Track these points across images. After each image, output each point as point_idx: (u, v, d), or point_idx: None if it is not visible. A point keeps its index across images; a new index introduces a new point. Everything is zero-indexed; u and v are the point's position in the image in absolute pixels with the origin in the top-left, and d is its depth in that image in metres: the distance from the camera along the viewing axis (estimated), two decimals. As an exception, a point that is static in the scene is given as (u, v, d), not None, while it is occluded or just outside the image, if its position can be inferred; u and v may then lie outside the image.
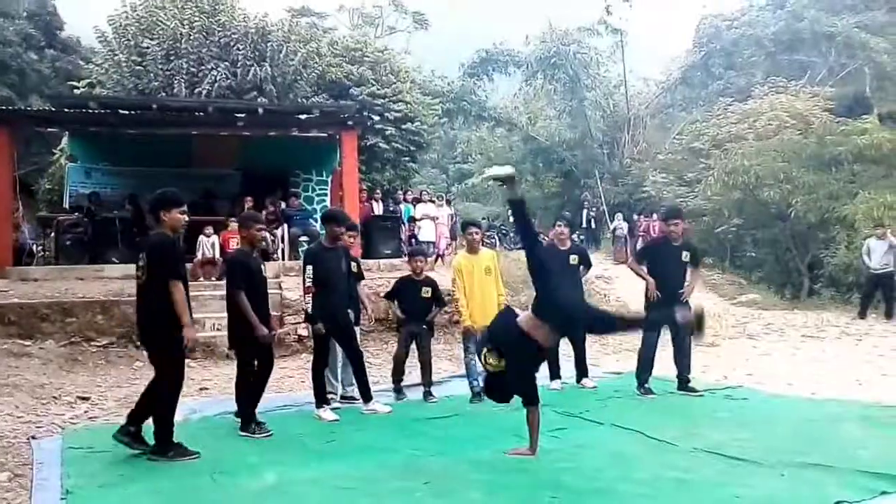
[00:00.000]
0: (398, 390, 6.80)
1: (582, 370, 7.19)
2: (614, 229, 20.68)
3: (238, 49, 16.89)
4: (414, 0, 34.15)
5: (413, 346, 6.78)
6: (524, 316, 4.63)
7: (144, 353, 8.48)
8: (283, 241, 12.62)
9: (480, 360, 4.69)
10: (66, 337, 8.80)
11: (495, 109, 28.71)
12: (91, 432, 5.52)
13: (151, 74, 16.51)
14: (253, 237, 5.63)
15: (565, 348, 7.18)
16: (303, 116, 13.01)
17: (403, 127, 18.17)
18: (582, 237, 18.67)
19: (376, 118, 17.24)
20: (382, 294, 7.07)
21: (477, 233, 6.87)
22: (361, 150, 14.87)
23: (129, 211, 12.82)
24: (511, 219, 24.96)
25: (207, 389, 7.25)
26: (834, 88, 20.81)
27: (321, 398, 6.00)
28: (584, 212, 21.45)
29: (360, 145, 14.19)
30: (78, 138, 14.59)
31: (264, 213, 12.38)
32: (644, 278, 6.85)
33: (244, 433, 5.33)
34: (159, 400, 4.74)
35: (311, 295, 5.89)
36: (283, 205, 13.61)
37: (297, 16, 26.93)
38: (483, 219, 20.24)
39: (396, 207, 15.11)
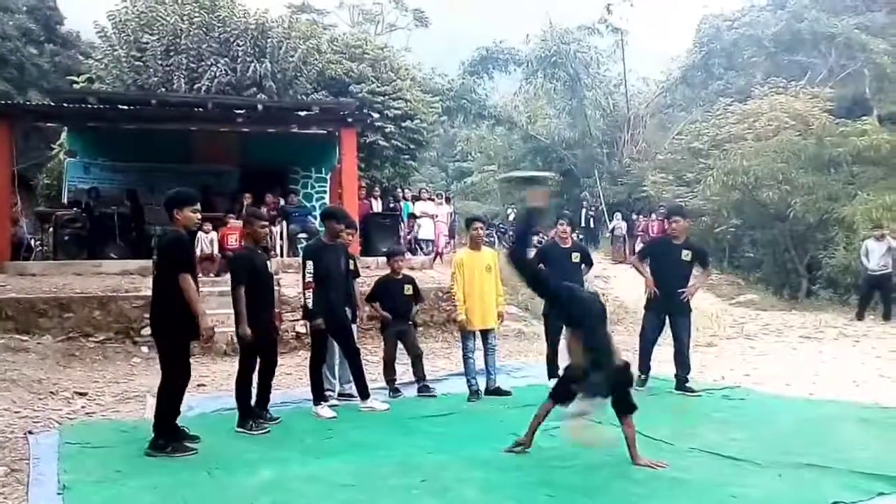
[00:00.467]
0: (393, 389, 6.80)
1: None
2: (613, 229, 20.71)
3: (238, 45, 16.86)
4: (414, -3, 34.16)
5: (400, 344, 6.84)
6: None
7: (142, 349, 8.56)
8: (281, 238, 12.61)
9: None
10: (64, 332, 8.79)
11: (495, 108, 28.71)
12: (88, 428, 5.51)
13: (151, 70, 16.48)
14: (256, 234, 5.70)
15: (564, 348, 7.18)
16: (302, 113, 13.00)
17: (403, 125, 18.15)
18: (581, 236, 18.67)
19: (376, 116, 17.24)
20: (365, 297, 7.06)
21: (481, 228, 6.88)
22: (361, 147, 14.86)
23: (127, 206, 12.81)
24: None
25: (205, 386, 7.25)
26: (833, 89, 20.81)
27: (319, 395, 6.00)
28: (584, 211, 21.49)
29: (359, 143, 14.19)
30: (77, 133, 14.58)
31: (264, 209, 12.38)
32: (644, 276, 6.93)
33: (240, 429, 5.35)
34: (163, 392, 4.80)
35: (310, 291, 5.89)
36: (282, 201, 13.60)
37: (297, 12, 26.92)
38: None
39: (396, 205, 15.10)
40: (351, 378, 6.32)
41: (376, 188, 15.86)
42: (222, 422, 5.64)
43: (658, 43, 36.52)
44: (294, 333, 9.08)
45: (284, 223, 12.76)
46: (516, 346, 9.83)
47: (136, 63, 16.72)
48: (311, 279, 5.88)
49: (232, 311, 5.51)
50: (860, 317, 11.80)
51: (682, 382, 6.77)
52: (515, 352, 9.50)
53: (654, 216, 18.51)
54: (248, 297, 5.44)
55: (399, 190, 16.34)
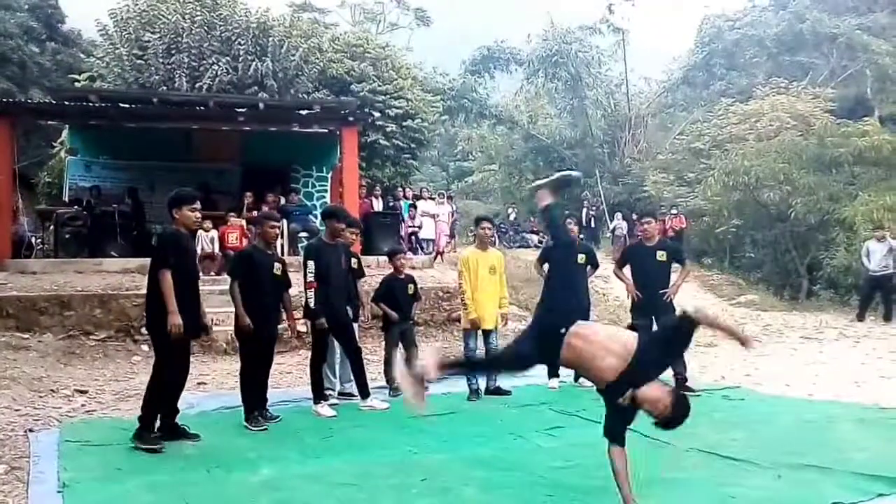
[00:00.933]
0: (394, 388, 6.80)
1: None
2: (614, 229, 20.70)
3: (239, 44, 16.86)
4: (416, -3, 34.18)
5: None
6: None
7: (142, 347, 8.56)
8: (282, 237, 12.61)
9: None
10: (64, 330, 8.79)
11: (496, 107, 28.71)
12: (88, 426, 5.51)
13: (152, 68, 16.48)
14: (266, 234, 5.81)
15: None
16: (303, 112, 13.00)
17: (404, 124, 18.15)
18: (582, 236, 18.67)
19: (377, 115, 17.23)
20: (371, 298, 7.08)
21: (489, 228, 6.91)
22: (362, 146, 14.86)
23: (128, 205, 12.81)
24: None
25: (205, 384, 7.25)
26: (835, 90, 20.84)
27: (319, 394, 6.00)
28: (584, 211, 21.46)
29: (360, 142, 14.18)
30: (78, 131, 14.57)
31: (265, 208, 12.37)
32: (625, 282, 7.08)
33: (245, 423, 5.46)
34: (150, 383, 4.89)
35: (312, 290, 5.89)
36: (283, 200, 13.60)
37: (298, 11, 26.94)
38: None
39: (396, 204, 15.10)
40: (351, 377, 6.33)
41: (377, 187, 15.86)
42: (223, 420, 5.66)
43: (659, 43, 36.52)
44: (295, 332, 9.08)
45: (285, 222, 12.75)
46: (516, 346, 9.82)
47: (138, 61, 16.72)
48: (312, 278, 5.89)
49: (231, 309, 5.58)
50: (861, 317, 11.80)
51: (681, 382, 6.76)
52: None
53: (655, 216, 18.48)
54: (248, 295, 5.48)
55: (400, 189, 16.34)
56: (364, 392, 6.14)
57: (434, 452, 4.74)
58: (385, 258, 12.31)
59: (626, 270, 7.18)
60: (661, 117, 29.10)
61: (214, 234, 11.55)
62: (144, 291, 4.95)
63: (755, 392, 6.74)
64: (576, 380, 7.16)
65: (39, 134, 19.34)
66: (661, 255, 6.91)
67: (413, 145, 18.83)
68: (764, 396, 6.56)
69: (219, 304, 9.20)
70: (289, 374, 7.68)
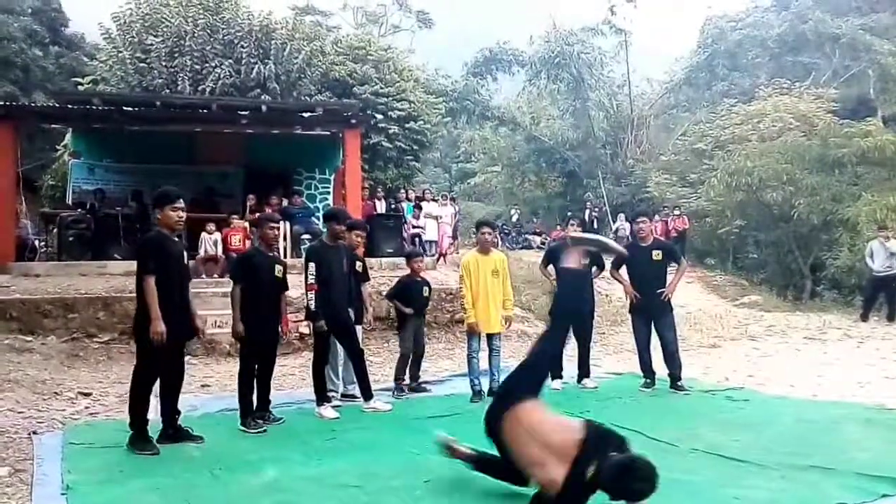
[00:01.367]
0: (401, 389, 6.82)
1: (584, 370, 7.19)
2: (616, 230, 20.69)
3: (242, 46, 16.90)
4: (418, -1, 34.22)
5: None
6: None
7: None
8: (284, 239, 12.62)
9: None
10: (68, 333, 8.81)
11: (499, 109, 28.72)
12: (92, 428, 5.53)
13: (155, 71, 16.52)
14: (265, 236, 5.83)
15: (568, 347, 7.18)
16: (306, 114, 13.02)
17: (406, 126, 18.17)
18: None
19: (379, 117, 17.27)
20: (385, 295, 7.16)
21: (489, 233, 6.89)
22: (364, 148, 14.88)
23: (132, 208, 12.83)
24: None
25: (209, 386, 7.27)
26: (838, 90, 20.81)
27: (322, 396, 6.01)
28: (587, 212, 21.46)
29: (362, 144, 14.21)
30: (81, 135, 14.61)
31: (268, 209, 12.39)
32: (622, 283, 7.14)
33: (242, 427, 5.44)
34: (131, 387, 4.91)
35: (313, 292, 5.90)
36: (285, 202, 13.62)
37: (301, 14, 26.97)
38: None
39: (398, 206, 15.11)
40: (354, 379, 6.34)
41: (379, 189, 15.88)
42: (226, 422, 5.66)
43: (662, 44, 36.52)
44: (297, 334, 9.10)
45: (288, 224, 12.77)
46: (519, 347, 9.81)
47: (141, 65, 16.77)
48: (313, 281, 5.90)
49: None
50: (864, 318, 11.77)
51: (673, 380, 6.81)
52: (518, 352, 9.48)
53: (657, 217, 18.48)
54: (249, 300, 5.51)
55: (403, 191, 16.36)
56: (367, 394, 6.15)
57: (437, 454, 4.74)
58: (388, 260, 12.41)
59: (623, 272, 7.20)
60: (663, 118, 29.09)
61: (217, 236, 11.57)
62: (136, 297, 4.88)
63: (758, 393, 6.72)
64: (579, 381, 7.17)
65: (43, 137, 19.39)
66: (656, 255, 6.95)
67: (415, 147, 18.85)
68: (767, 397, 6.55)
69: (221, 306, 9.23)
70: (291, 376, 7.69)
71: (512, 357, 8.77)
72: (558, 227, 21.97)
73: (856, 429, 5.24)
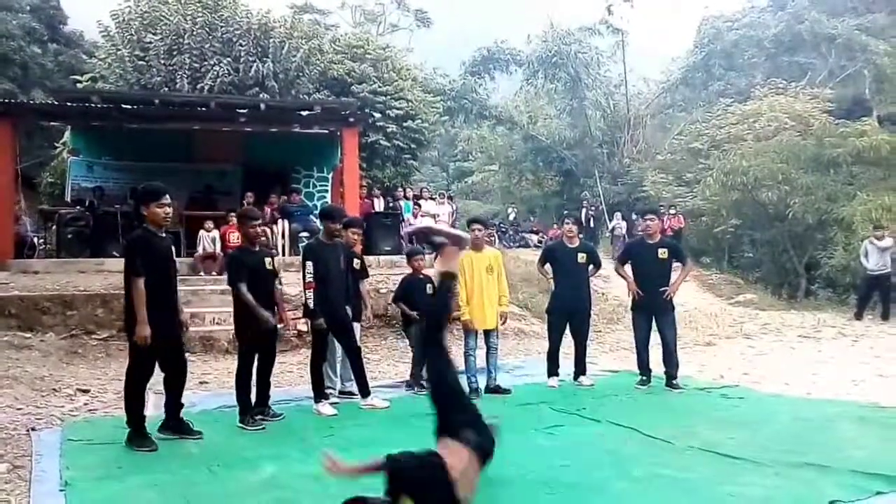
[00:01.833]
0: (421, 385, 6.82)
1: (581, 368, 7.22)
2: (613, 228, 20.72)
3: (240, 45, 16.88)
4: (416, -2, 34.21)
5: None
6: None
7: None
8: (283, 237, 12.65)
9: None
10: (67, 330, 8.82)
11: (496, 108, 28.72)
12: (90, 425, 5.55)
13: (154, 69, 16.50)
14: (247, 234, 5.76)
15: (565, 345, 7.22)
16: (304, 113, 13.03)
17: (404, 124, 18.17)
18: (581, 236, 18.71)
19: (377, 115, 17.27)
20: (391, 298, 7.12)
21: (480, 230, 6.88)
22: (362, 147, 14.89)
23: (130, 205, 12.82)
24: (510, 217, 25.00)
25: (207, 383, 7.28)
26: (833, 90, 20.85)
27: (320, 393, 6.03)
28: (584, 211, 21.49)
29: (360, 142, 14.22)
30: (80, 132, 14.60)
31: (267, 208, 12.42)
32: (626, 279, 7.12)
33: (240, 424, 5.45)
34: (124, 385, 4.89)
35: (311, 290, 5.92)
36: (284, 200, 13.63)
37: (299, 12, 26.95)
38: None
39: (396, 204, 15.13)
40: (352, 376, 6.36)
41: (375, 188, 15.90)
42: (224, 419, 5.68)
43: (658, 44, 36.57)
44: (295, 331, 9.11)
45: (286, 222, 12.79)
46: (516, 345, 9.86)
47: (139, 62, 16.74)
48: (311, 279, 5.92)
49: (232, 309, 5.60)
50: (859, 316, 11.84)
51: (669, 379, 6.87)
52: (515, 350, 9.53)
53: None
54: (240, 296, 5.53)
55: (400, 189, 16.37)
56: (364, 391, 6.17)
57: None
58: (386, 258, 12.43)
59: (627, 268, 7.21)
60: (660, 118, 29.12)
61: (216, 233, 11.58)
62: (124, 295, 4.87)
63: (754, 391, 6.76)
64: (575, 378, 7.20)
65: (41, 135, 19.36)
66: (662, 253, 6.96)
67: (413, 146, 18.85)
68: (762, 395, 6.58)
69: (219, 304, 9.26)
70: (289, 374, 7.71)
71: (508, 355, 8.83)
72: (555, 226, 22.03)
73: (850, 427, 5.28)
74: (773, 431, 5.19)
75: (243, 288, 5.46)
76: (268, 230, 11.20)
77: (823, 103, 18.61)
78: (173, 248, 5.10)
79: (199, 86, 16.28)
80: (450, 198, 18.21)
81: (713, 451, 4.62)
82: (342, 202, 12.60)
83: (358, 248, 7.03)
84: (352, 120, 13.04)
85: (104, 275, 10.43)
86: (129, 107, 12.64)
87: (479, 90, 28.06)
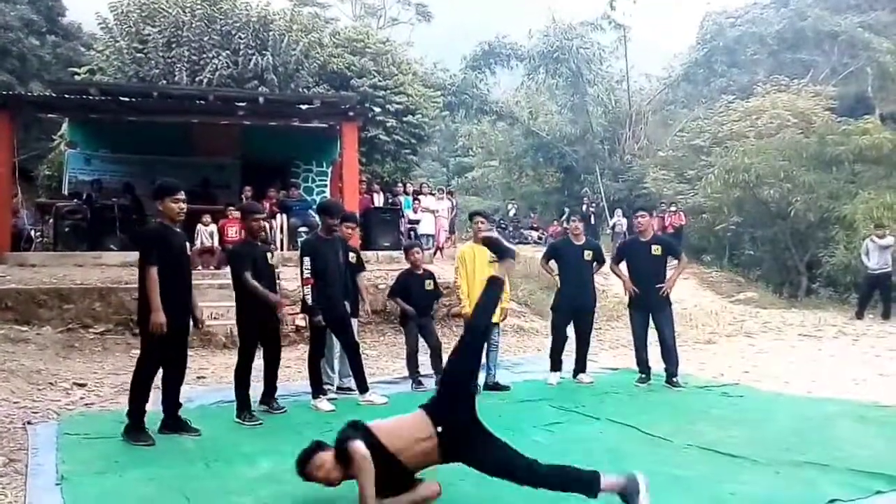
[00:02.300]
0: (418, 381, 6.84)
1: (581, 365, 7.19)
2: (614, 225, 20.69)
3: (239, 38, 16.83)
4: (417, -8, 34.10)
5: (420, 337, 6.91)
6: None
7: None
8: (281, 231, 12.61)
9: None
10: (64, 323, 8.79)
11: (497, 103, 28.66)
12: (87, 419, 5.52)
13: (152, 62, 16.46)
14: (250, 227, 5.77)
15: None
16: (304, 106, 12.99)
17: (404, 119, 18.13)
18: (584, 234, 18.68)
19: (377, 110, 17.22)
20: (387, 292, 7.12)
21: (482, 222, 6.87)
22: (362, 141, 14.85)
23: (128, 198, 12.80)
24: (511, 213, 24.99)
25: (204, 378, 7.26)
26: (836, 88, 20.83)
27: (318, 389, 6.01)
28: (584, 207, 21.45)
29: (360, 137, 14.17)
30: (78, 125, 14.56)
31: (266, 203, 12.38)
32: (622, 278, 7.14)
33: (237, 419, 5.44)
34: (133, 377, 4.90)
35: (309, 286, 5.89)
36: (283, 194, 13.59)
37: (299, 5, 26.78)
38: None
39: (396, 199, 15.10)
40: (350, 372, 6.33)
41: (374, 183, 15.86)
42: (222, 414, 5.66)
43: (661, 39, 36.51)
44: (293, 327, 9.10)
45: (285, 217, 12.76)
46: (515, 342, 9.84)
47: (138, 55, 16.70)
48: (309, 274, 5.89)
49: (232, 303, 5.58)
50: (860, 315, 11.81)
51: (669, 376, 6.87)
52: (514, 347, 9.51)
53: (655, 213, 18.50)
54: (246, 289, 5.51)
55: (400, 185, 16.33)
56: (363, 387, 6.15)
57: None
58: (385, 253, 12.40)
59: (623, 266, 7.21)
60: (661, 114, 29.08)
61: (214, 227, 11.55)
62: (138, 287, 4.91)
63: (754, 389, 6.73)
64: (575, 376, 7.17)
65: (39, 127, 19.29)
66: (655, 250, 6.96)
67: (413, 141, 18.82)
68: (763, 394, 6.55)
69: (217, 298, 9.23)
70: (287, 369, 7.66)
71: (507, 352, 8.80)
72: (555, 223, 21.99)
73: (851, 426, 5.25)
74: (773, 430, 5.17)
75: (249, 276, 5.45)
76: (266, 225, 11.17)
77: (826, 101, 18.58)
78: (187, 244, 5.12)
79: (197, 78, 16.23)
80: (450, 193, 18.17)
81: (713, 449, 4.59)
82: (341, 197, 12.56)
83: (354, 242, 6.98)
84: (351, 114, 12.99)
85: (101, 268, 10.41)
86: (127, 99, 12.59)
87: (479, 85, 28.00)
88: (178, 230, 5.03)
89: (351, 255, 6.57)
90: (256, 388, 5.75)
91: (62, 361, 7.69)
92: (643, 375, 6.96)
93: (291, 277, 9.05)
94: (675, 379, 6.81)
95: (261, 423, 5.40)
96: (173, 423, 5.00)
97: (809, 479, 3.97)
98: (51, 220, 12.61)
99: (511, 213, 25.37)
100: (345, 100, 13.83)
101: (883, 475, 3.95)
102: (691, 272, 16.44)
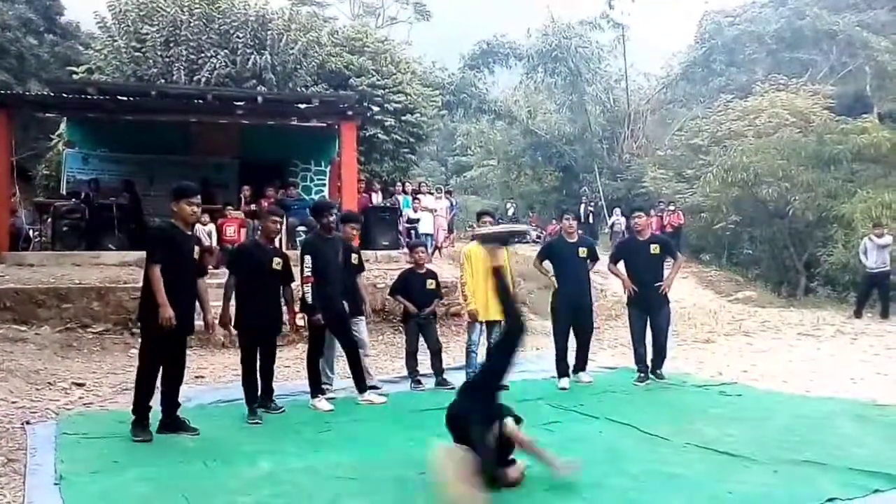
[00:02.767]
0: (416, 381, 6.85)
1: (581, 364, 7.14)
2: (612, 224, 20.71)
3: (238, 37, 16.80)
4: (415, -9, 34.05)
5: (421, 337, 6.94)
6: None
7: (140, 340, 8.55)
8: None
9: None
10: (62, 323, 8.78)
11: (495, 102, 28.66)
12: (85, 418, 5.52)
13: (150, 61, 16.43)
14: (266, 229, 5.90)
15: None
16: (302, 106, 12.97)
17: (403, 118, 18.11)
18: (580, 232, 18.68)
19: (376, 109, 17.18)
20: (388, 291, 7.12)
21: (490, 223, 6.91)
22: (360, 140, 14.83)
23: (126, 198, 12.79)
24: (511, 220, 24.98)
25: (203, 377, 7.25)
26: (834, 87, 20.83)
27: (316, 388, 6.01)
28: (583, 206, 21.48)
29: (359, 136, 14.16)
30: (76, 124, 14.54)
31: (264, 202, 12.36)
32: (620, 277, 7.18)
33: (248, 419, 5.51)
34: (136, 374, 4.95)
35: (309, 285, 5.89)
36: (282, 193, 13.57)
37: (297, 4, 26.72)
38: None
39: (394, 198, 15.09)
40: (369, 370, 6.40)
41: (374, 182, 15.85)
42: (220, 413, 5.67)
43: (659, 39, 36.41)
44: (294, 326, 9.08)
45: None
46: (514, 341, 9.81)
47: (136, 54, 16.66)
48: (309, 272, 5.89)
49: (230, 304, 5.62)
50: (858, 314, 11.82)
51: (654, 367, 6.99)
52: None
53: (653, 212, 18.51)
54: (246, 291, 5.54)
55: (399, 184, 16.32)
56: (361, 386, 6.15)
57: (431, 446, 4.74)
58: (384, 252, 12.39)
59: (620, 266, 7.24)
60: (660, 113, 29.08)
61: (212, 227, 11.54)
62: (141, 285, 4.96)
63: (752, 388, 6.74)
64: (574, 373, 7.15)
65: (37, 126, 19.26)
66: (654, 249, 7.01)
67: (412, 140, 18.79)
68: (761, 392, 6.56)
69: (215, 298, 9.19)
70: (286, 368, 7.67)
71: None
72: (553, 222, 21.99)
73: (849, 424, 5.25)
74: (772, 429, 5.17)
75: (231, 280, 5.60)
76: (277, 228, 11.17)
77: (824, 100, 18.59)
78: (196, 248, 5.09)
79: (195, 78, 16.20)
80: (448, 192, 18.16)
81: (711, 448, 4.60)
82: (340, 196, 12.55)
83: (356, 243, 6.98)
84: (350, 113, 12.97)
85: (100, 268, 10.40)
86: (125, 98, 12.58)
87: (478, 84, 27.99)
88: (190, 233, 5.11)
89: (353, 256, 6.56)
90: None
91: (61, 361, 7.68)
92: (641, 374, 6.97)
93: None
94: (658, 371, 6.98)
95: (259, 423, 5.41)
96: (172, 422, 5.01)
97: (808, 478, 3.98)
98: (49, 220, 12.59)
99: (510, 213, 25.35)
100: (343, 99, 13.81)
101: (881, 474, 3.95)
102: (690, 271, 16.45)
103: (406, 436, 5.04)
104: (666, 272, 7.10)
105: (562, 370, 6.95)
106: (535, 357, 8.18)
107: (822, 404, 5.98)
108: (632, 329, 7.12)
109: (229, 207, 12.08)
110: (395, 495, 3.84)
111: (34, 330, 8.50)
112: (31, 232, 13.59)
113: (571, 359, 7.11)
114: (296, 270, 5.94)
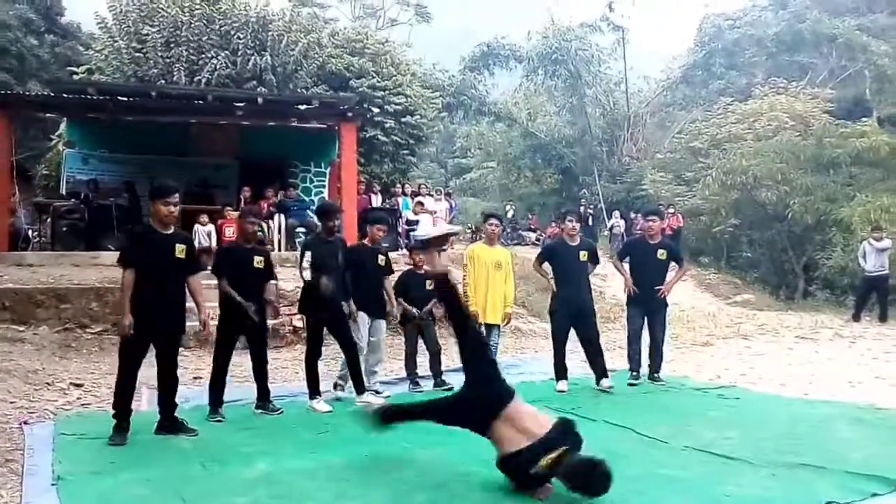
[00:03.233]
0: (415, 382, 6.87)
1: (601, 370, 6.82)
2: (611, 227, 20.72)
3: (238, 38, 16.81)
4: (416, -7, 34.11)
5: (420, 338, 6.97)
6: None
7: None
8: (279, 232, 12.60)
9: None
10: (61, 323, 8.78)
11: (495, 104, 28.68)
12: (83, 419, 5.52)
13: (151, 62, 16.42)
14: (244, 230, 5.92)
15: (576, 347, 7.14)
16: (302, 107, 12.97)
17: (403, 120, 18.11)
18: (580, 234, 18.69)
19: (376, 110, 17.19)
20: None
21: (497, 225, 6.96)
22: (360, 142, 14.83)
23: (125, 198, 12.78)
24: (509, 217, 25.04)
25: (200, 378, 7.23)
26: (834, 90, 20.88)
27: (314, 389, 6.00)
28: (582, 209, 21.46)
29: (359, 137, 14.16)
30: (76, 124, 14.53)
31: (264, 203, 12.37)
32: (623, 275, 7.22)
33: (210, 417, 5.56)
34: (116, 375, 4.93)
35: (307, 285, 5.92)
36: (282, 195, 13.57)
37: (298, 6, 26.75)
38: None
39: (394, 200, 15.10)
40: (374, 369, 6.45)
41: (374, 184, 15.85)
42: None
43: (659, 41, 36.53)
44: (291, 327, 9.09)
45: (282, 217, 12.75)
46: (512, 343, 9.84)
47: (137, 55, 16.66)
48: (307, 266, 5.92)
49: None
50: (856, 318, 11.82)
51: (652, 372, 7.01)
52: (511, 348, 9.51)
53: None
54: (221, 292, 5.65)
55: (398, 185, 16.33)
56: (359, 387, 6.14)
57: (429, 448, 4.74)
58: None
59: (626, 264, 7.26)
60: (659, 116, 29.11)
61: (211, 228, 11.56)
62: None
63: (750, 391, 6.74)
64: (597, 382, 7.01)
65: (37, 126, 19.28)
66: (661, 254, 7.05)
67: (412, 141, 18.80)
68: (759, 396, 6.56)
69: (214, 298, 9.20)
70: (284, 369, 7.67)
71: (504, 353, 8.79)
72: (553, 224, 21.99)
73: (847, 428, 5.25)
74: (770, 432, 5.17)
75: (224, 283, 5.62)
76: (264, 225, 11.19)
77: (824, 103, 18.63)
78: (178, 246, 4.95)
79: (196, 79, 16.20)
80: (448, 194, 18.17)
81: (709, 451, 4.60)
82: (340, 197, 12.55)
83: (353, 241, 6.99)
84: (350, 115, 12.97)
85: (99, 268, 10.38)
86: (125, 99, 12.57)
87: (478, 86, 28.02)
88: (167, 233, 4.94)
89: (380, 257, 6.55)
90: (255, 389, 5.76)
91: (59, 361, 7.67)
92: (634, 373, 7.00)
93: (288, 278, 9.06)
94: (657, 375, 7.00)
95: (220, 420, 5.46)
96: (170, 423, 4.99)
97: (805, 482, 3.98)
98: (48, 220, 12.59)
99: (509, 215, 25.35)
100: (343, 100, 13.80)
101: (879, 477, 3.95)
102: (689, 274, 16.40)
103: (404, 438, 5.02)
104: (669, 275, 7.16)
105: (560, 373, 6.90)
106: (534, 360, 8.18)
107: (821, 408, 5.99)
108: (629, 326, 7.19)
109: (229, 208, 12.07)
110: (393, 497, 3.83)
111: (32, 330, 8.50)
112: (30, 232, 13.59)
113: (570, 361, 7.08)
114: (294, 272, 5.94)
